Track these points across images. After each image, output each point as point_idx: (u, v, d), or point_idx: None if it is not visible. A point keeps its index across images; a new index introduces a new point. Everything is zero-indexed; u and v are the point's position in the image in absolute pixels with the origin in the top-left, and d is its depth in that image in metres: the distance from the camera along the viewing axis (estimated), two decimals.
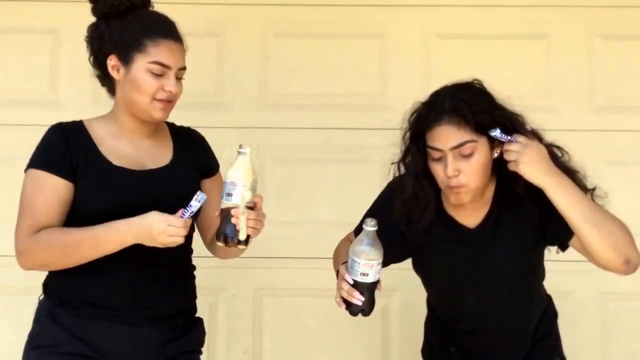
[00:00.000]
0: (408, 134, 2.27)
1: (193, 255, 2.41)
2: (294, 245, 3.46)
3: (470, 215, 2.31)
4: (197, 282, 2.43)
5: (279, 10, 3.53)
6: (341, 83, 3.52)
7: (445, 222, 2.33)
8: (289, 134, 3.50)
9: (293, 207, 3.49)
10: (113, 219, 2.14)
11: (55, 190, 2.19)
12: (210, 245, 2.38)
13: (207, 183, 2.36)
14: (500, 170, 2.24)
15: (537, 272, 2.39)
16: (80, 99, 3.35)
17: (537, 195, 2.17)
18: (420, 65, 3.49)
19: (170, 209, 2.13)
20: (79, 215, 2.20)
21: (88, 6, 2.28)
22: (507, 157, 2.16)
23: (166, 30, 2.25)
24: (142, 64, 2.21)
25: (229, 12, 3.52)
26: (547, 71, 3.53)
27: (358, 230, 2.29)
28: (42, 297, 2.32)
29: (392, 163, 2.33)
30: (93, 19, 2.30)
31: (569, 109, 3.49)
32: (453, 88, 2.23)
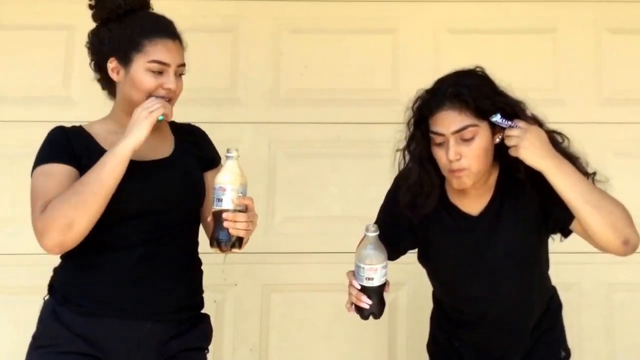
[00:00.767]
0: (412, 121, 2.30)
1: (199, 251, 2.41)
2: (305, 240, 3.44)
3: (473, 203, 2.34)
4: (203, 278, 2.42)
5: (292, 6, 3.54)
6: (353, 78, 3.52)
7: (449, 210, 2.36)
8: (302, 129, 3.49)
9: (305, 202, 3.47)
10: (117, 210, 2.16)
11: (63, 175, 2.19)
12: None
13: (209, 175, 2.36)
14: (503, 158, 2.27)
15: (541, 260, 2.40)
16: (93, 95, 3.22)
17: (537, 180, 2.19)
18: (432, 60, 3.48)
19: (175, 196, 2.17)
20: None
21: None
22: (507, 142, 2.18)
23: (163, 29, 2.29)
24: (141, 63, 2.25)
25: (243, 8, 3.52)
26: (555, 65, 3.54)
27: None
28: (46, 298, 2.31)
29: (397, 150, 2.36)
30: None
31: (577, 102, 3.50)
32: (455, 75, 2.26)
